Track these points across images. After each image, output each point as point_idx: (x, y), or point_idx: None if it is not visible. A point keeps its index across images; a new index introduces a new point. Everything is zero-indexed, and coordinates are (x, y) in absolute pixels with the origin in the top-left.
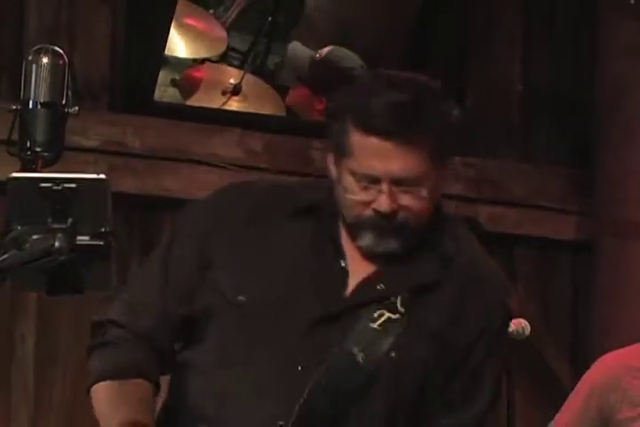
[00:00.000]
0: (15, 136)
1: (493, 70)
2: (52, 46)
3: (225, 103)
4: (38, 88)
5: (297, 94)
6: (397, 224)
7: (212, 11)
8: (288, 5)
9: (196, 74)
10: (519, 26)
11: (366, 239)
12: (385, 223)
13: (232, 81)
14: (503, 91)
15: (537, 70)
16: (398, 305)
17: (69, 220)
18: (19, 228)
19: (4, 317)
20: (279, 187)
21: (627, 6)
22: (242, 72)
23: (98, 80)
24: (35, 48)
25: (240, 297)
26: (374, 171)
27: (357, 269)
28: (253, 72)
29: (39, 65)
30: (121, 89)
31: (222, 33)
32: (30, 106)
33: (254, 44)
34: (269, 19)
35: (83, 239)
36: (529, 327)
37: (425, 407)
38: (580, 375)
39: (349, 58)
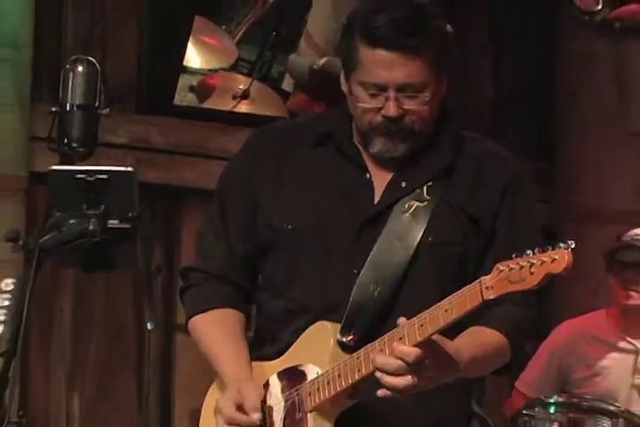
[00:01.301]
0: (54, 134)
1: (468, 78)
2: (86, 57)
3: (235, 106)
4: (74, 92)
5: (296, 99)
6: (404, 127)
7: (224, 27)
8: (290, 21)
9: (211, 81)
10: (488, 40)
11: (378, 145)
12: (393, 127)
13: (241, 87)
14: (476, 95)
15: (505, 78)
16: (424, 194)
17: (101, 206)
18: (57, 213)
19: (45, 291)
20: (296, 123)
21: (582, 21)
22: (250, 79)
23: (126, 86)
24: (72, 58)
25: (287, 226)
26: (381, 79)
27: (380, 177)
28: (260, 79)
29: (75, 73)
30: (146, 93)
31: (232, 46)
32: (67, 108)
33: (260, 55)
34: (273, 33)
35: (113, 223)
36: None
37: (466, 281)
38: (542, 342)
39: None
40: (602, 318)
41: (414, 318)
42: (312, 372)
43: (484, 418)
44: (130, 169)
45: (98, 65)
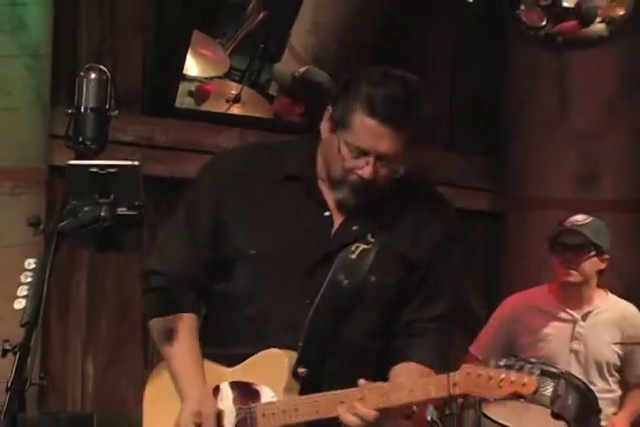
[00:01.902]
0: (71, 133)
1: (428, 87)
2: (98, 65)
3: (228, 109)
4: (88, 97)
5: (280, 102)
6: (372, 187)
7: (218, 40)
8: (276, 35)
9: (207, 87)
10: (447, 54)
11: (343, 194)
12: (363, 186)
13: (233, 92)
14: (435, 100)
15: (460, 86)
16: (369, 238)
17: (111, 196)
18: (73, 202)
19: (62, 269)
20: (262, 156)
21: (528, 36)
22: (241, 86)
23: (133, 91)
24: (86, 66)
25: (251, 251)
26: (367, 146)
27: (337, 217)
28: (249, 85)
29: (89, 79)
30: (150, 98)
31: (225, 57)
32: (82, 110)
33: (250, 64)
34: (261, 46)
35: (122, 210)
36: None
37: (402, 316)
38: (492, 312)
39: (321, 75)
40: (544, 292)
41: (376, 383)
42: (267, 395)
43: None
44: (136, 163)
45: (108, 73)
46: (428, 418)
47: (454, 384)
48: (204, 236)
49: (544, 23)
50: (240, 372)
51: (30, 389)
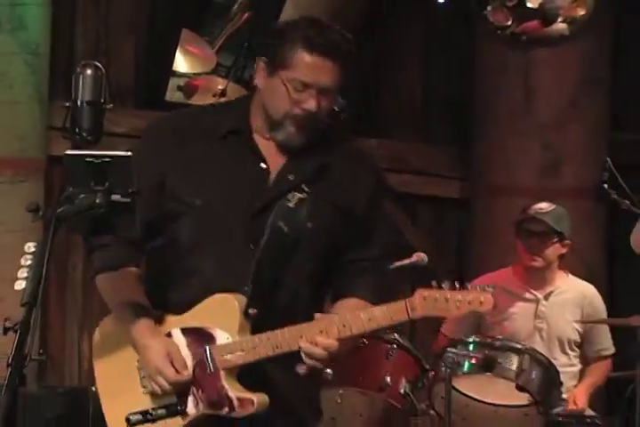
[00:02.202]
0: (68, 125)
1: (402, 81)
2: (94, 62)
3: (216, 101)
4: (84, 91)
5: None
6: (314, 121)
7: (205, 38)
8: (259, 34)
9: (195, 82)
10: (419, 54)
11: (286, 133)
12: (306, 120)
13: (220, 87)
14: (408, 96)
15: (432, 81)
16: (304, 187)
17: (106, 184)
18: (71, 189)
19: (60, 252)
20: (197, 115)
21: (495, 35)
22: (226, 81)
23: (126, 86)
24: (82, 63)
25: (197, 201)
26: (310, 79)
27: (273, 168)
28: (235, 81)
29: (85, 75)
30: (142, 92)
31: (212, 54)
32: (78, 104)
33: (235, 61)
34: (246, 44)
35: (115, 197)
36: (427, 258)
37: (342, 258)
38: None
39: None
40: (509, 274)
41: (332, 316)
42: (221, 337)
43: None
44: (129, 154)
45: (103, 69)
46: (401, 391)
47: (412, 308)
48: (147, 193)
49: (510, 23)
50: (189, 318)
51: (30, 364)
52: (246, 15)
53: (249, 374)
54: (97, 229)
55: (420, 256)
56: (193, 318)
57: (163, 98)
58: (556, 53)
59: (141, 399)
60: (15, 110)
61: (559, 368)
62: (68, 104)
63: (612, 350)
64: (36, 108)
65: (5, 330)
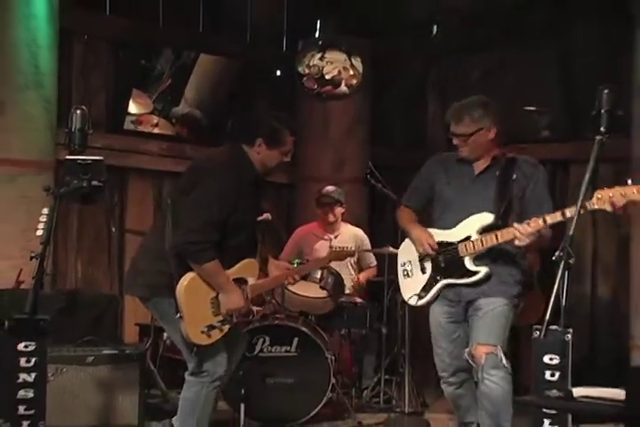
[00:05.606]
0: (67, 142)
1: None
2: (82, 106)
3: (152, 129)
4: (76, 122)
5: (177, 127)
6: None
7: (147, 94)
8: (177, 92)
9: (141, 118)
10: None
11: (273, 175)
12: (281, 166)
13: (155, 121)
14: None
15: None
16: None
17: (88, 175)
18: (67, 178)
19: (62, 213)
20: (238, 166)
21: (309, 93)
22: (159, 118)
23: (99, 120)
24: (75, 106)
25: (246, 221)
26: (289, 148)
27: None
28: (163, 117)
29: (76, 113)
30: (111, 123)
31: (150, 103)
32: (72, 129)
33: (163, 107)
34: (169, 97)
35: (94, 183)
36: (271, 217)
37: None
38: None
39: (197, 113)
40: (315, 225)
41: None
42: (251, 280)
43: None
44: (101, 158)
45: (86, 110)
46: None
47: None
48: (225, 216)
49: (316, 86)
50: (236, 271)
51: (46, 277)
52: (169, 81)
53: None
54: (85, 201)
55: (267, 216)
56: (238, 271)
57: (122, 127)
58: (342, 104)
59: (210, 319)
60: (37, 135)
61: (343, 276)
62: (66, 130)
63: (374, 263)
64: (49, 133)
65: (32, 258)
